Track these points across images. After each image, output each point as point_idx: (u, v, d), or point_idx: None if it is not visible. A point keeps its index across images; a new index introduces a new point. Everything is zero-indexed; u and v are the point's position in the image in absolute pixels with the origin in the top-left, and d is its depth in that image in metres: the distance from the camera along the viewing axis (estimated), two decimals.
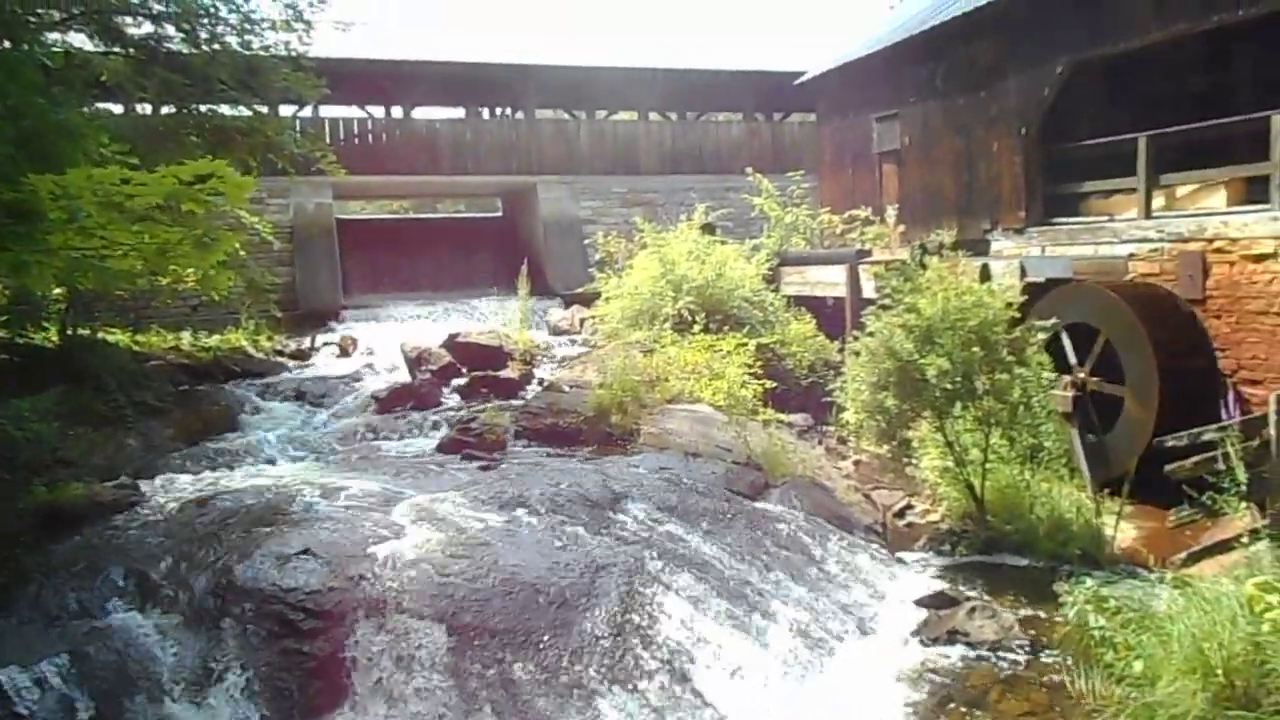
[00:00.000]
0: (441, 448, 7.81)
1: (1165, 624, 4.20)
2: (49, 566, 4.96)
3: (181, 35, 11.50)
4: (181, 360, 11.67)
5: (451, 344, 11.51)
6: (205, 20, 11.50)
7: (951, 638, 5.44)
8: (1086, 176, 10.06)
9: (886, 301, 7.50)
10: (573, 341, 13.94)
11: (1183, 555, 5.54)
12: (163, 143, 10.84)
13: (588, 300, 14.46)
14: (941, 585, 6.24)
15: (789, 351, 10.89)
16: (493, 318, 15.63)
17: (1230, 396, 7.39)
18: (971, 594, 6.08)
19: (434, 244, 21.82)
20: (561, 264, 19.22)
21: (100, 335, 11.20)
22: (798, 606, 5.59)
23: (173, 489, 6.57)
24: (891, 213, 13.13)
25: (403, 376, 11.10)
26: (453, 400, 10.05)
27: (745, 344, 10.11)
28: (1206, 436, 5.72)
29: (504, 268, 18.49)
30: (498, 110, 23.44)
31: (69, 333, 10.54)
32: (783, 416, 9.31)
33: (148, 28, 11.48)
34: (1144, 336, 7.63)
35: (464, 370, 10.91)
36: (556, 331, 15.37)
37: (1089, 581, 4.97)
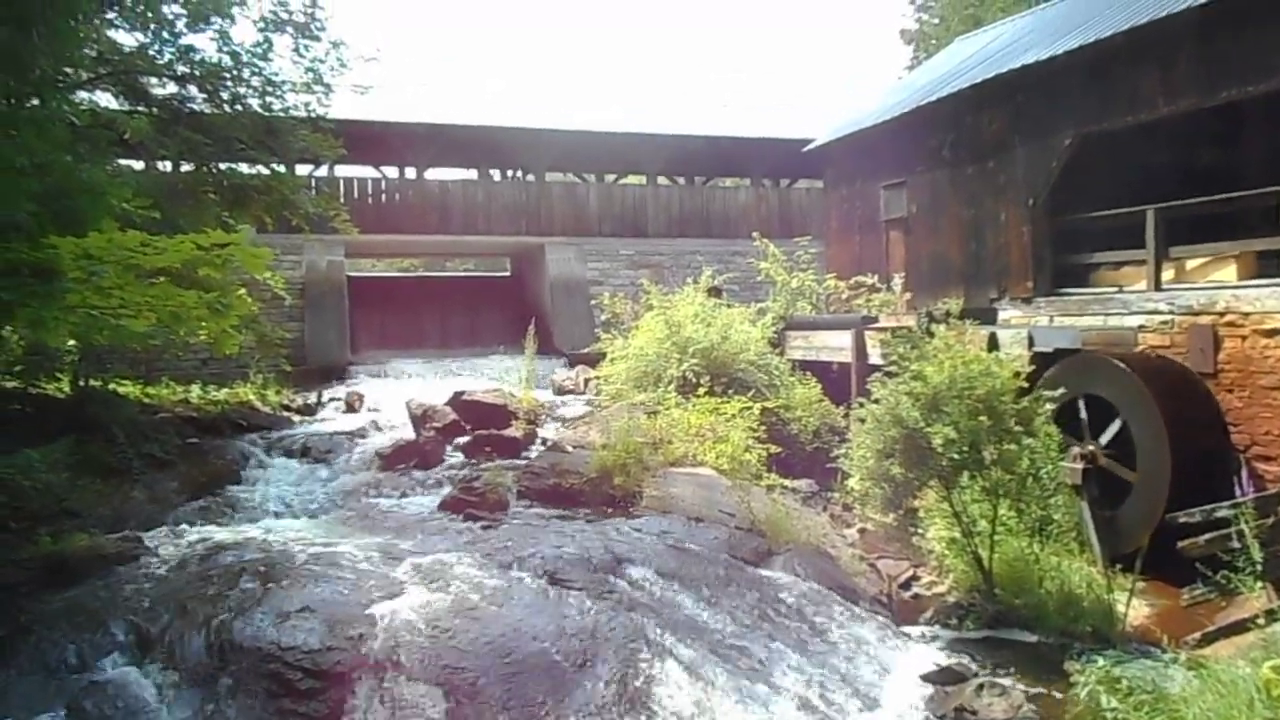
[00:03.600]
0: (444, 506, 7.77)
1: (1179, 707, 4.11)
2: (50, 618, 4.95)
3: (204, 96, 11.84)
4: (190, 413, 11.70)
5: (456, 402, 11.53)
6: (228, 82, 11.84)
7: (959, 715, 5.30)
8: (1095, 247, 10.13)
9: (892, 368, 7.50)
10: (577, 401, 13.95)
11: (1197, 635, 5.41)
12: (182, 199, 11.07)
13: (593, 360, 14.51)
14: (949, 660, 6.10)
15: (794, 416, 10.86)
16: (498, 376, 15.67)
17: (1244, 473, 7.29)
18: (980, 670, 5.95)
19: (442, 302, 22.04)
20: (568, 324, 19.36)
21: (111, 387, 11.26)
22: (801, 678, 5.47)
23: (176, 542, 6.55)
24: (898, 280, 13.23)
25: (407, 434, 11.10)
26: (456, 458, 10.02)
27: (750, 407, 10.09)
28: (1220, 513, 5.64)
29: (511, 327, 18.65)
30: (509, 172, 23.91)
31: (81, 384, 10.61)
32: (787, 482, 9.24)
33: (172, 88, 11.83)
34: (1155, 409, 7.58)
35: (468, 428, 10.91)
36: (561, 391, 15.41)
37: (1100, 660, 4.88)
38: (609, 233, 21.07)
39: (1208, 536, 5.58)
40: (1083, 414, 8.19)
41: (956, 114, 12.09)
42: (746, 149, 22.48)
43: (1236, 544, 5.48)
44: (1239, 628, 5.33)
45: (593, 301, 18.92)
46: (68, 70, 9.30)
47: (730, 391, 10.81)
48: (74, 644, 4.67)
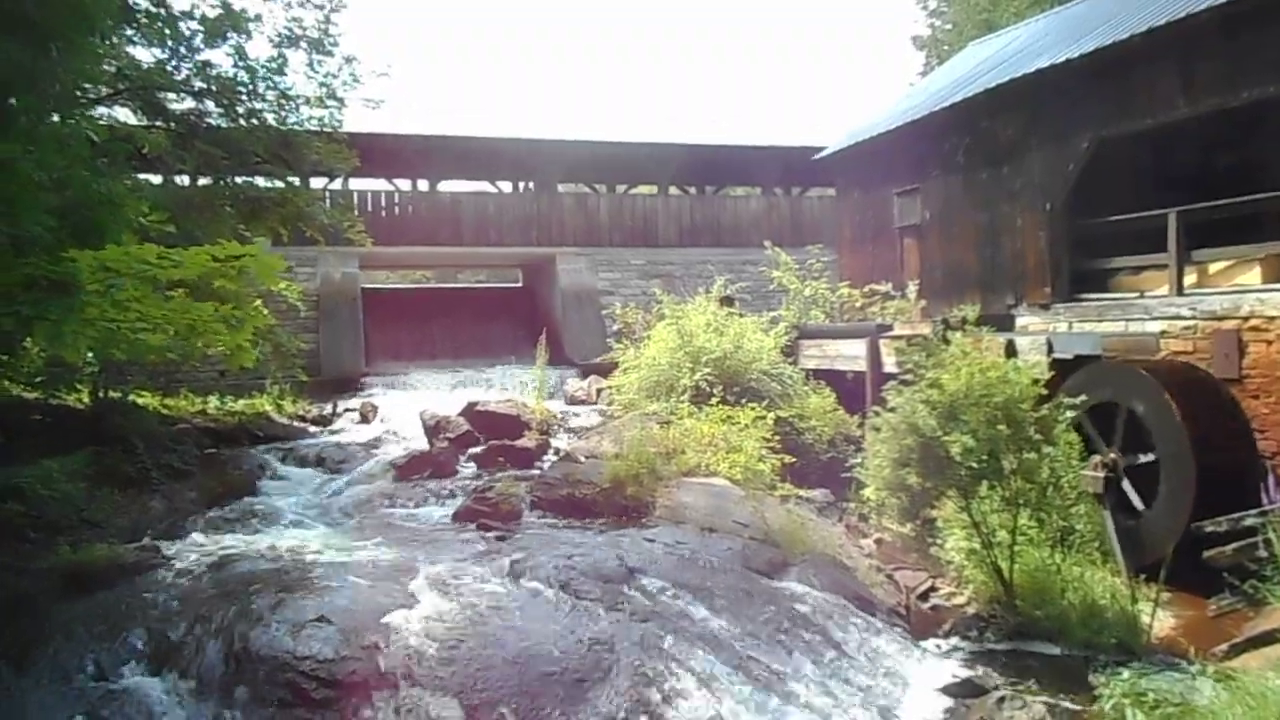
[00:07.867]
0: (457, 517, 7.77)
1: None
2: (69, 627, 4.96)
3: (221, 110, 11.98)
4: (207, 424, 11.79)
5: (469, 412, 11.55)
6: (244, 96, 11.97)
7: None
8: (1114, 252, 10.01)
9: (908, 376, 7.43)
10: (590, 411, 13.93)
11: (1225, 646, 5.32)
12: (198, 213, 11.17)
13: (605, 370, 14.49)
14: (969, 673, 6.02)
15: (808, 425, 10.79)
16: (511, 387, 15.69)
17: (1270, 480, 7.17)
18: (1000, 683, 5.85)
19: (454, 313, 22.12)
20: (579, 334, 19.37)
21: (130, 398, 11.36)
22: (818, 691, 5.40)
23: (193, 552, 6.57)
24: (912, 287, 13.15)
25: (421, 444, 11.11)
26: (470, 469, 10.03)
27: (763, 417, 10.03)
28: (1247, 522, 5.55)
29: (523, 337, 18.67)
30: (520, 184, 24.05)
31: (101, 395, 10.69)
32: (801, 492, 9.17)
33: (189, 103, 11.98)
34: (1178, 416, 7.47)
35: (481, 439, 10.91)
36: (573, 401, 15.40)
37: (1126, 673, 4.80)
38: (620, 243, 21.11)
39: (1235, 546, 5.50)
40: (1104, 422, 8.09)
41: (971, 119, 12.03)
42: (757, 157, 22.47)
43: (1264, 553, 5.39)
44: (1268, 639, 5.24)
45: (604, 311, 18.93)
46: (87, 86, 9.40)
47: (743, 401, 10.75)
48: (92, 653, 4.68)
